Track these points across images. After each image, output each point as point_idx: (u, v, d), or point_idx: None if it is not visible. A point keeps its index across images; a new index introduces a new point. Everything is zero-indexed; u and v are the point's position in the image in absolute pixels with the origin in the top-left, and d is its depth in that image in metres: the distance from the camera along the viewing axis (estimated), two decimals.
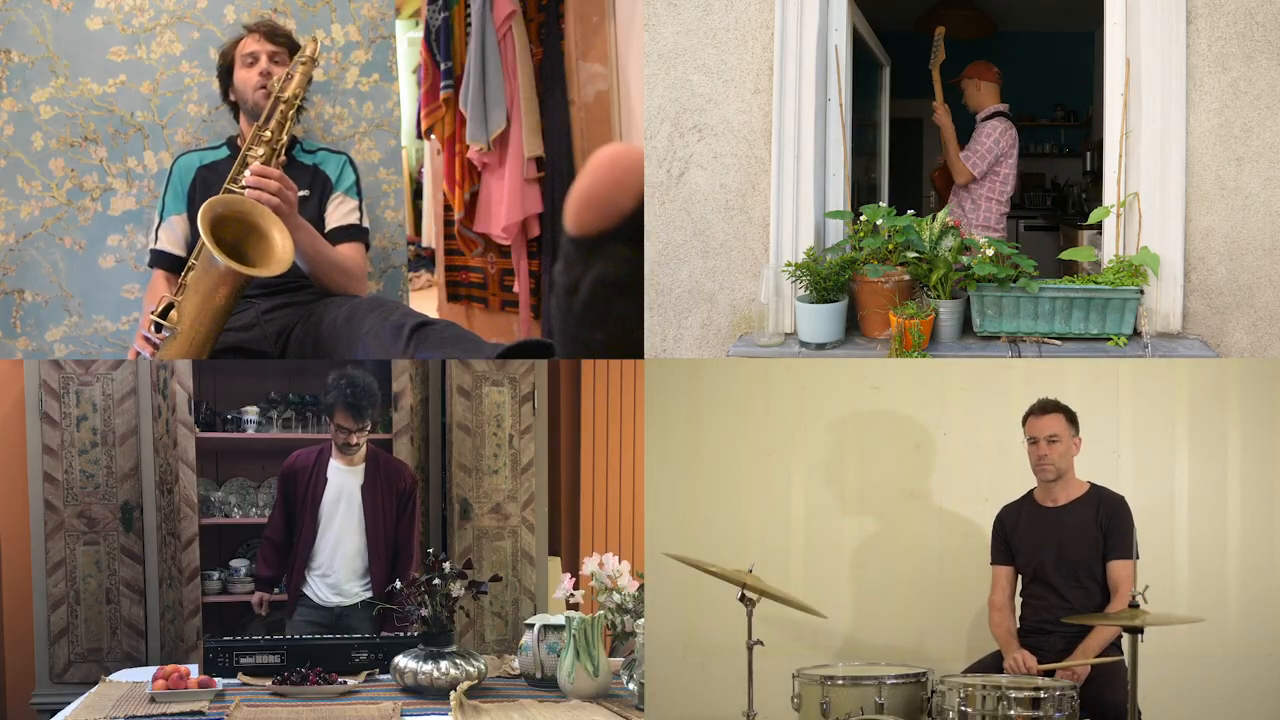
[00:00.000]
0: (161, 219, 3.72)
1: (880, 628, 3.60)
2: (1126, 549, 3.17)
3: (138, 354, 3.35)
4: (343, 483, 3.82)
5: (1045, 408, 3.24)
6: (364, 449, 3.83)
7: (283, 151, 3.43)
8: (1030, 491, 3.33)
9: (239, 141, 3.72)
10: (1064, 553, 3.20)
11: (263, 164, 3.35)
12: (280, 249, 3.14)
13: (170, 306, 3.20)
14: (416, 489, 3.94)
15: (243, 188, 3.28)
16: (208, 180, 3.66)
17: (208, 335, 3.19)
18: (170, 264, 3.66)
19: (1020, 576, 3.32)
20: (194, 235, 3.63)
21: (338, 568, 3.82)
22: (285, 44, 3.69)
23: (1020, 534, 3.29)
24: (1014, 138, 4.82)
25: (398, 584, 3.41)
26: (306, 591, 3.83)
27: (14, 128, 3.89)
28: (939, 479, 3.64)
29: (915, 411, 3.66)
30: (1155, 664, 3.37)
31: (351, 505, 3.81)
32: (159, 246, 3.70)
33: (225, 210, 3.13)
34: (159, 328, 3.19)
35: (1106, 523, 3.19)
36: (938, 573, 3.62)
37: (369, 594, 3.80)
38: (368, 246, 3.82)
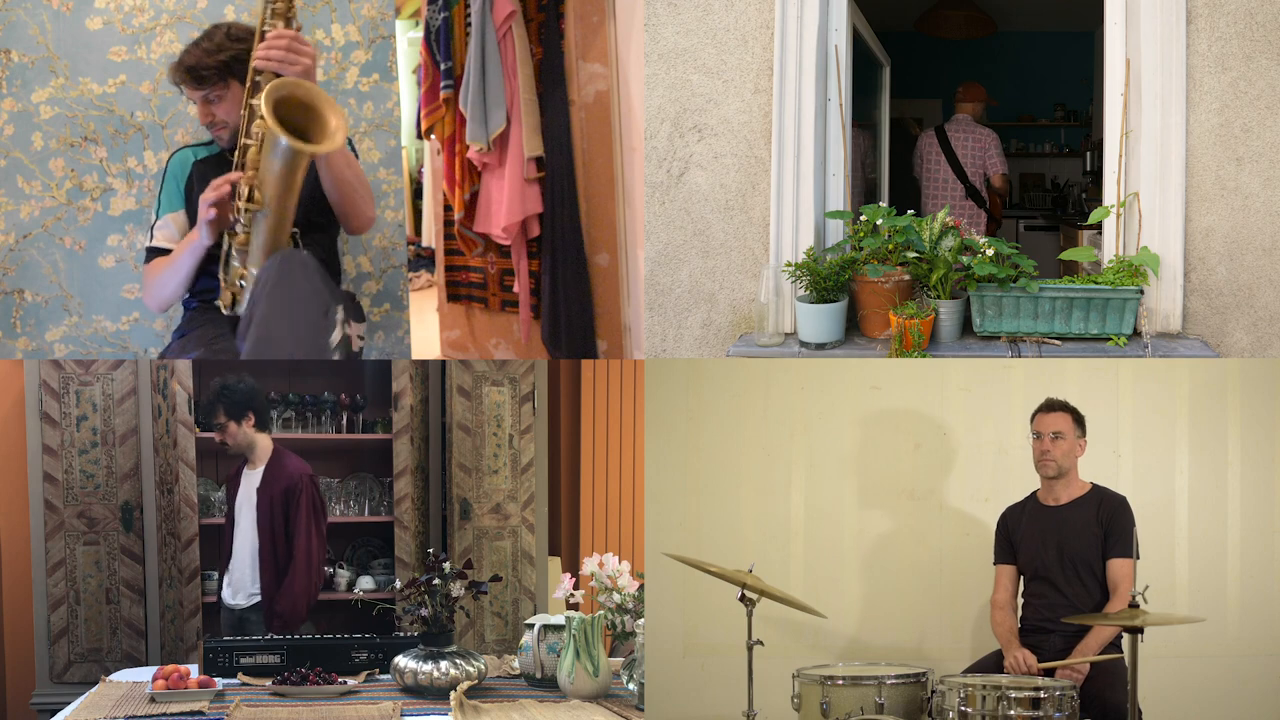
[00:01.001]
0: (158, 216, 3.65)
1: (880, 628, 3.61)
2: (1126, 548, 3.18)
3: (218, 223, 3.25)
4: (245, 486, 4.00)
5: (1053, 405, 3.27)
6: (262, 451, 3.96)
7: (296, 16, 3.29)
8: (1033, 492, 3.34)
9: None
10: (1065, 550, 3.22)
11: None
12: (334, 127, 3.14)
13: (251, 189, 3.17)
14: (305, 486, 3.90)
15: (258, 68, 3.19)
16: (205, 175, 3.57)
17: (291, 215, 3.24)
18: (162, 254, 3.54)
19: (1022, 576, 3.32)
20: (190, 224, 3.57)
21: (237, 570, 3.99)
22: (214, 76, 3.44)
23: (1023, 532, 3.30)
24: (923, 144, 6.02)
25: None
26: (223, 595, 4.03)
27: (14, 128, 3.89)
28: (939, 479, 3.64)
29: (915, 411, 3.66)
30: (1155, 664, 3.37)
31: (248, 508, 3.97)
32: (156, 244, 3.62)
33: (284, 93, 3.12)
34: (248, 212, 3.16)
35: (1108, 521, 3.20)
36: (938, 573, 3.62)
37: (258, 598, 3.94)
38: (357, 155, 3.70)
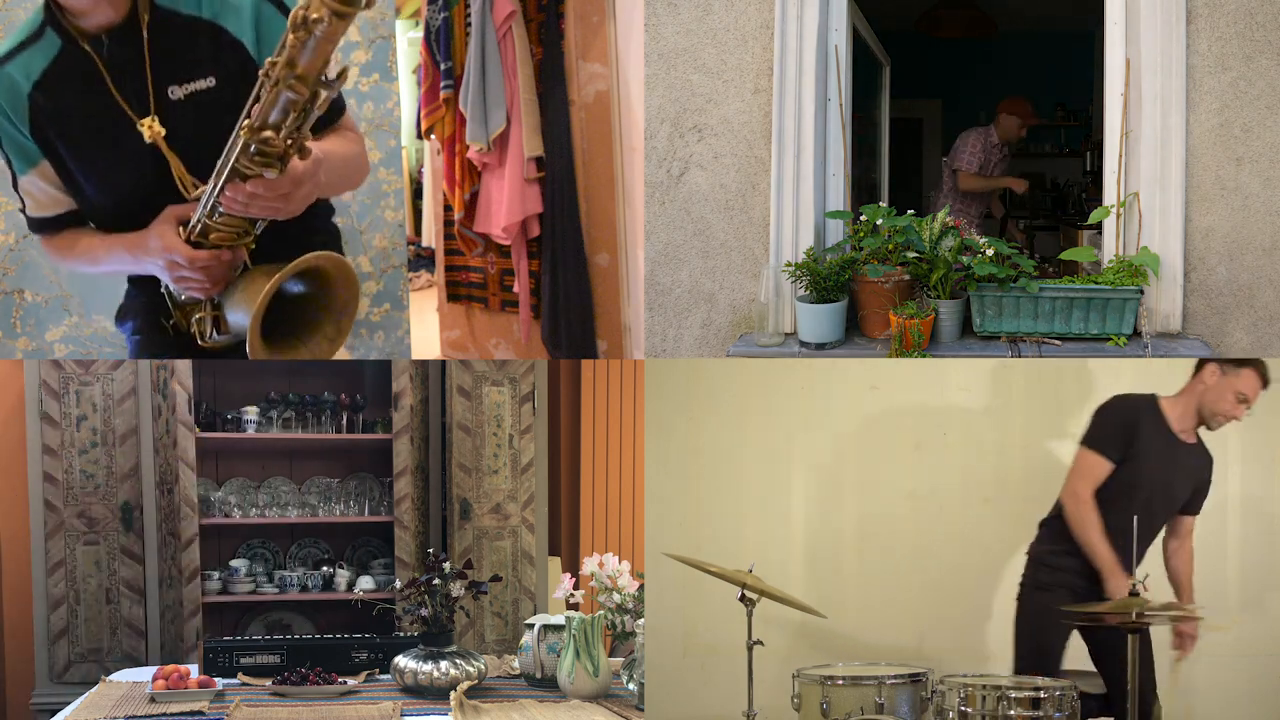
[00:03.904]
0: (14, 174, 2.56)
1: (880, 628, 3.60)
2: (1199, 506, 3.23)
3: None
4: None
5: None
6: None
7: (298, 149, 2.20)
8: (1158, 403, 3.16)
9: (60, 17, 2.41)
10: (1172, 493, 3.15)
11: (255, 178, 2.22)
12: (327, 345, 2.53)
13: (217, 312, 2.51)
14: None
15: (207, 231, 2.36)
16: (52, 92, 2.44)
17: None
18: (60, 225, 2.63)
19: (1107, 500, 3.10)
20: (64, 180, 2.54)
21: None
22: None
23: (1151, 458, 3.11)
24: None
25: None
26: None
27: None
28: (939, 479, 3.64)
29: (915, 411, 3.66)
30: (1155, 664, 3.37)
31: None
32: (35, 214, 2.63)
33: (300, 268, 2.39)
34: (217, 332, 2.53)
35: (1204, 477, 3.21)
36: (938, 573, 3.62)
37: None
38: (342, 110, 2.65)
